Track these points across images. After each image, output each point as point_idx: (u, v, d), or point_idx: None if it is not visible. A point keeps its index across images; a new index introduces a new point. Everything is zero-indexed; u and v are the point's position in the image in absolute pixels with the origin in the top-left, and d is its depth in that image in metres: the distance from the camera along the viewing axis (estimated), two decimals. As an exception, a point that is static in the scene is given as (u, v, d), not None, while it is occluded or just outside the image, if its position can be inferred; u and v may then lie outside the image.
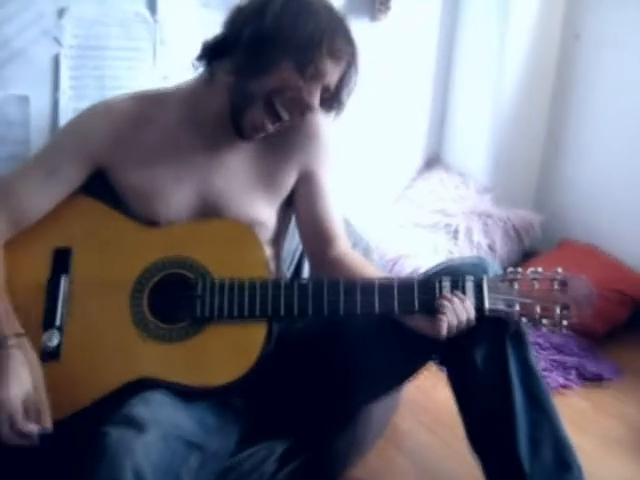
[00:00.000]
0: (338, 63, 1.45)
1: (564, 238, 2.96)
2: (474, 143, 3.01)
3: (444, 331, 1.41)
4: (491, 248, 2.81)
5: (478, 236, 2.80)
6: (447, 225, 2.82)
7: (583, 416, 2.18)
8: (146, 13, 2.11)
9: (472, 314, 1.43)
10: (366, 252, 2.03)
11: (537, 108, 3.00)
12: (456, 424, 1.58)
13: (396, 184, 3.02)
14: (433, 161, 3.09)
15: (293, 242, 1.86)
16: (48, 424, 1.34)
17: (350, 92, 1.53)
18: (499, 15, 2.82)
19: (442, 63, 2.96)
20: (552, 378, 2.33)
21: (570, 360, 2.45)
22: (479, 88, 2.95)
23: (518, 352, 1.50)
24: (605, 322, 2.60)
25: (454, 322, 1.41)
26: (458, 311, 1.42)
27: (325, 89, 1.47)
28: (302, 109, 1.48)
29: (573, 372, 2.40)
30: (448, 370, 1.59)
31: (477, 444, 1.56)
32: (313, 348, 1.62)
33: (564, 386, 2.33)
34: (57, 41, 2.00)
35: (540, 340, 2.50)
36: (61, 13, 1.99)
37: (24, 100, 2.00)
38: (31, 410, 1.33)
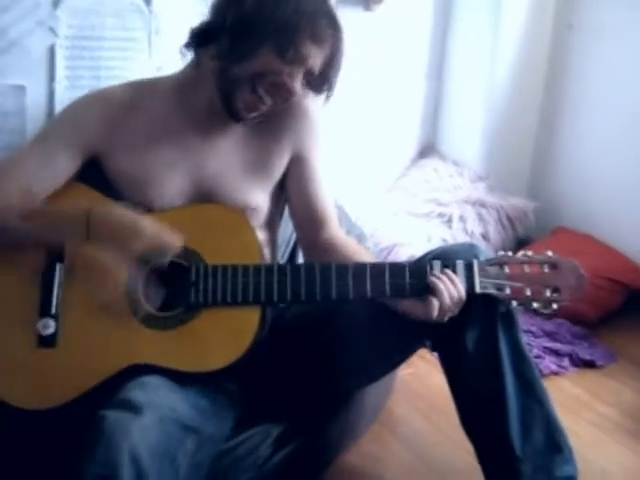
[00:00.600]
0: (320, 46, 1.45)
1: (558, 226, 2.98)
2: (468, 132, 3.02)
3: (435, 311, 1.42)
4: (485, 237, 2.83)
5: (472, 225, 2.82)
6: (441, 214, 2.84)
7: (577, 402, 2.20)
8: (141, 3, 2.13)
9: (463, 293, 1.44)
10: (360, 240, 2.05)
11: (530, 97, 3.02)
12: (451, 410, 1.59)
13: (390, 173, 3.03)
14: (427, 150, 3.10)
15: (288, 229, 1.87)
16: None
17: (337, 74, 1.53)
18: (492, 4, 2.83)
19: (435, 52, 2.97)
20: (545, 365, 2.34)
21: (563, 347, 2.46)
22: (472, 77, 2.96)
23: (509, 335, 1.51)
24: (598, 309, 2.62)
25: (446, 301, 1.42)
26: (449, 291, 1.42)
27: (309, 73, 1.47)
28: (284, 93, 1.48)
29: (566, 359, 2.41)
30: (440, 355, 1.60)
31: (469, 428, 1.57)
32: (306, 333, 1.63)
33: (557, 373, 2.35)
34: (52, 31, 2.02)
35: (533, 328, 2.52)
36: (56, 4, 2.00)
37: (20, 90, 2.02)
38: None
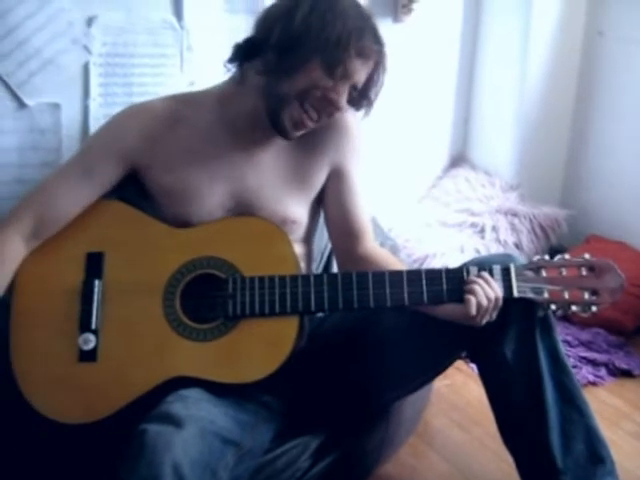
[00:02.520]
0: (366, 62, 1.46)
1: (591, 234, 2.95)
2: (499, 141, 3.01)
3: (473, 310, 1.40)
4: (518, 246, 2.81)
5: (505, 234, 2.80)
6: (473, 224, 2.82)
7: (616, 412, 2.17)
8: (173, 20, 2.14)
9: (499, 293, 1.44)
10: (393, 251, 2.04)
11: (561, 105, 3.00)
12: (487, 421, 1.59)
13: (421, 183, 3.02)
14: (458, 160, 3.09)
15: (322, 241, 1.88)
16: None
17: (379, 90, 1.54)
18: (522, 13, 2.82)
19: (465, 62, 2.96)
20: (582, 375, 2.32)
21: (599, 356, 2.44)
22: (503, 86, 2.95)
23: (547, 345, 1.51)
24: (634, 318, 2.59)
25: (483, 302, 1.41)
26: (486, 291, 1.42)
27: (353, 88, 1.48)
28: (330, 108, 1.49)
29: (603, 368, 2.39)
30: (478, 366, 1.60)
31: (509, 439, 1.57)
32: (344, 345, 1.63)
33: (594, 383, 2.33)
34: (87, 49, 2.04)
35: (569, 337, 2.50)
36: (90, 22, 2.02)
37: (56, 108, 2.04)
38: None
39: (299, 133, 1.53)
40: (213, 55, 2.17)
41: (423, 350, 1.57)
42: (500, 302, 1.44)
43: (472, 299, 1.41)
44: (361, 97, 1.54)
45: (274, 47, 1.44)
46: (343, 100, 1.48)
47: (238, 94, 1.57)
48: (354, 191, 1.66)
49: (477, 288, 1.42)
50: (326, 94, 1.46)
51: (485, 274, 1.45)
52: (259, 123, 1.54)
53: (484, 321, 1.44)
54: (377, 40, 1.48)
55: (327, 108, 1.49)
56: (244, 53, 1.51)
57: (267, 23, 1.48)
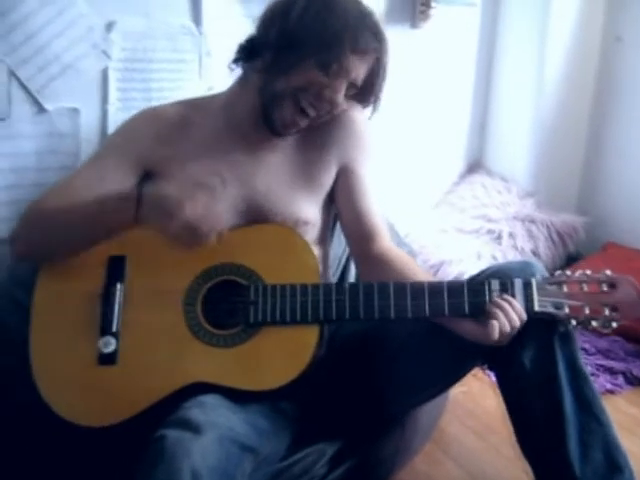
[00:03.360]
0: (363, 59, 1.47)
1: (608, 241, 2.93)
2: (516, 147, 3.00)
3: (496, 335, 1.39)
4: (535, 253, 2.80)
5: (522, 241, 2.79)
6: (490, 230, 2.82)
7: (633, 421, 2.16)
8: (192, 26, 2.15)
9: (523, 317, 1.43)
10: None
11: (578, 111, 2.99)
12: (504, 429, 1.58)
13: (438, 189, 3.02)
14: (475, 166, 3.09)
15: (340, 247, 1.87)
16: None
17: (382, 85, 1.55)
18: (539, 19, 2.82)
19: (483, 68, 2.96)
20: (599, 383, 2.30)
21: (617, 365, 2.42)
22: (520, 92, 2.95)
23: (566, 353, 1.49)
24: (652, 326, 2.58)
25: (506, 327, 1.40)
26: (510, 317, 1.41)
27: (352, 84, 1.49)
28: (327, 106, 1.50)
29: (620, 377, 2.38)
30: (497, 374, 1.59)
31: (527, 448, 1.55)
32: (361, 352, 1.63)
33: (612, 391, 2.31)
34: (106, 54, 2.05)
35: (586, 345, 2.49)
36: (109, 27, 2.03)
37: (75, 112, 2.05)
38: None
39: (289, 132, 1.55)
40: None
41: (441, 358, 1.56)
42: (523, 322, 1.43)
43: (495, 324, 1.40)
44: (366, 93, 1.54)
45: (271, 46, 1.47)
46: (340, 97, 1.49)
47: (241, 95, 1.59)
48: (363, 189, 1.65)
49: (501, 314, 1.41)
50: (321, 91, 1.47)
51: (510, 298, 1.44)
52: (261, 124, 1.56)
53: (506, 342, 1.44)
54: (376, 36, 1.48)
55: (324, 105, 1.50)
56: (245, 53, 1.53)
57: (265, 22, 1.51)
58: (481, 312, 1.44)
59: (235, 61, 1.57)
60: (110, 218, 1.47)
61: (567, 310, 1.46)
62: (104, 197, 1.48)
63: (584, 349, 2.45)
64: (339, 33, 1.43)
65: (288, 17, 1.45)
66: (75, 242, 1.51)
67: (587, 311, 1.46)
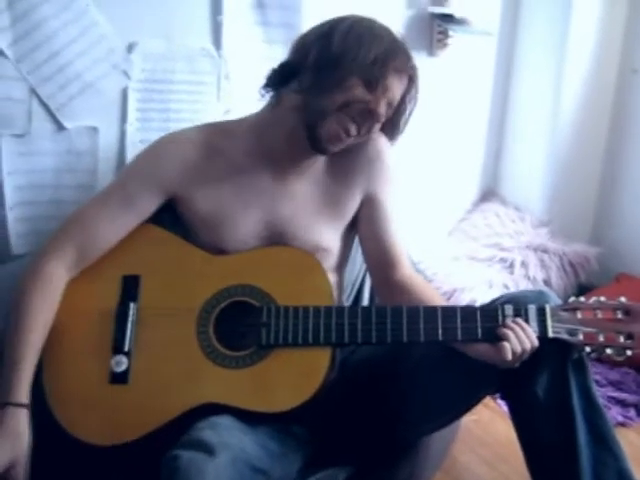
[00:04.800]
0: (401, 79, 1.52)
1: (621, 272, 2.92)
2: (530, 177, 3.00)
3: (508, 356, 1.40)
4: (547, 283, 2.79)
5: (534, 270, 2.78)
6: (503, 259, 2.82)
7: (645, 454, 2.14)
8: (211, 48, 2.17)
9: (535, 342, 1.43)
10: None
11: (594, 142, 2.99)
12: (515, 459, 1.57)
13: (451, 217, 3.02)
14: (489, 194, 3.09)
15: (353, 273, 1.88)
16: None
17: (411, 112, 1.59)
18: (556, 49, 2.83)
19: (498, 97, 2.97)
20: (611, 415, 2.27)
21: (629, 397, 2.41)
22: (535, 122, 2.95)
23: (580, 384, 1.49)
24: (664, 359, 2.56)
25: (518, 349, 1.41)
26: (521, 339, 1.41)
27: (389, 104, 1.52)
28: (370, 121, 1.52)
29: (632, 409, 2.36)
30: (509, 404, 1.58)
31: (539, 479, 1.54)
32: (373, 377, 1.62)
33: (623, 424, 2.30)
34: (126, 75, 2.06)
35: (598, 377, 2.47)
36: (130, 48, 2.05)
37: (93, 131, 2.06)
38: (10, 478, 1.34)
39: (336, 148, 1.55)
40: (250, 84, 2.18)
41: (453, 386, 1.56)
42: (535, 348, 1.43)
43: (507, 346, 1.41)
44: (395, 117, 1.58)
45: (312, 67, 1.49)
46: (382, 114, 1.51)
47: (272, 120, 1.59)
48: (387, 219, 1.67)
49: (512, 335, 1.42)
50: (365, 108, 1.49)
51: (521, 321, 1.44)
52: (295, 147, 1.57)
53: (517, 364, 1.44)
54: (410, 59, 1.54)
55: (367, 120, 1.52)
56: (280, 77, 1.55)
57: (304, 47, 1.53)
58: (494, 337, 1.44)
59: (266, 86, 1.57)
60: None
61: (581, 337, 1.45)
62: (17, 373, 1.41)
63: (596, 380, 2.39)
64: (382, 53, 1.47)
65: (330, 40, 1.48)
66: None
67: (601, 338, 1.46)
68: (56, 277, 1.50)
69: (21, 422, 1.37)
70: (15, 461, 1.34)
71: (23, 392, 1.39)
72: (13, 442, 1.34)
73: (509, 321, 1.45)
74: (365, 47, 1.47)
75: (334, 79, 1.47)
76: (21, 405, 1.38)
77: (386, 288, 1.65)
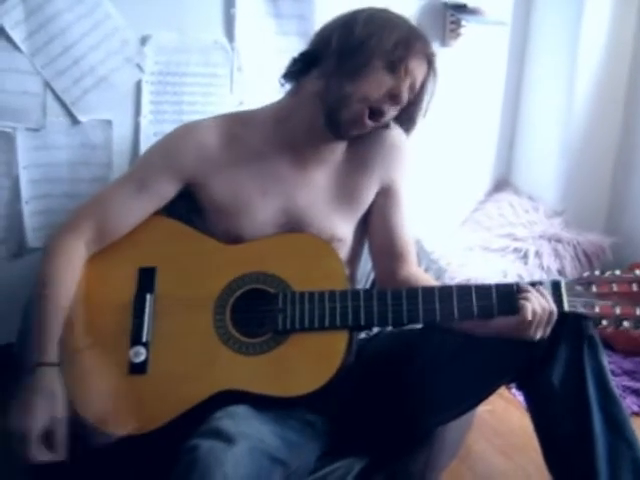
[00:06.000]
0: (422, 63, 1.54)
1: (635, 262, 2.90)
2: (544, 166, 2.99)
3: (529, 315, 1.39)
4: (561, 272, 2.79)
5: (548, 260, 2.78)
6: (516, 249, 2.81)
7: (659, 443, 2.13)
8: (224, 41, 2.17)
9: (553, 307, 1.42)
10: (439, 275, 2.04)
11: (607, 130, 2.97)
12: (529, 448, 1.57)
13: (464, 207, 3.02)
14: (502, 184, 3.08)
15: (367, 266, 1.88)
16: (61, 456, 1.38)
17: (430, 99, 1.60)
18: (569, 39, 2.81)
19: (512, 86, 2.96)
20: (626, 404, 2.26)
21: (643, 386, 2.41)
22: (549, 111, 2.94)
23: (596, 374, 1.49)
24: (679, 348, 2.56)
25: (538, 309, 1.40)
26: (540, 300, 1.41)
27: (411, 88, 1.54)
28: (394, 106, 1.53)
29: (646, 398, 2.36)
30: (525, 394, 1.58)
31: (555, 468, 1.54)
32: (389, 367, 1.63)
33: (638, 413, 2.30)
34: (139, 68, 2.08)
35: (612, 366, 2.47)
36: (144, 41, 2.06)
37: (107, 124, 2.08)
38: (51, 438, 1.38)
39: (357, 132, 1.56)
40: (262, 76, 2.20)
41: (470, 376, 1.56)
42: (554, 316, 1.43)
43: (527, 305, 1.40)
44: (410, 109, 1.59)
45: (334, 53, 1.51)
46: (405, 98, 1.53)
47: (294, 106, 1.60)
48: (400, 210, 1.68)
49: (531, 296, 1.42)
50: (388, 92, 1.51)
51: (539, 287, 1.45)
52: (315, 134, 1.58)
53: (538, 334, 1.42)
54: (429, 45, 1.56)
55: (391, 105, 1.53)
56: (301, 65, 1.57)
57: (326, 36, 1.55)
58: (510, 310, 1.43)
59: (286, 75, 1.59)
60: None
61: (597, 310, 1.45)
62: (48, 336, 1.46)
63: (610, 370, 2.39)
64: (404, 37, 1.50)
65: (353, 26, 1.51)
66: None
67: (618, 311, 1.44)
68: (76, 250, 1.54)
69: (55, 381, 1.42)
70: (55, 419, 1.38)
71: (53, 352, 1.44)
72: (51, 401, 1.39)
73: (526, 285, 1.45)
74: (387, 32, 1.50)
75: (357, 63, 1.49)
76: (53, 364, 1.43)
77: (390, 283, 1.65)
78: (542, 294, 1.44)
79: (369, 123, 1.54)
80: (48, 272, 1.51)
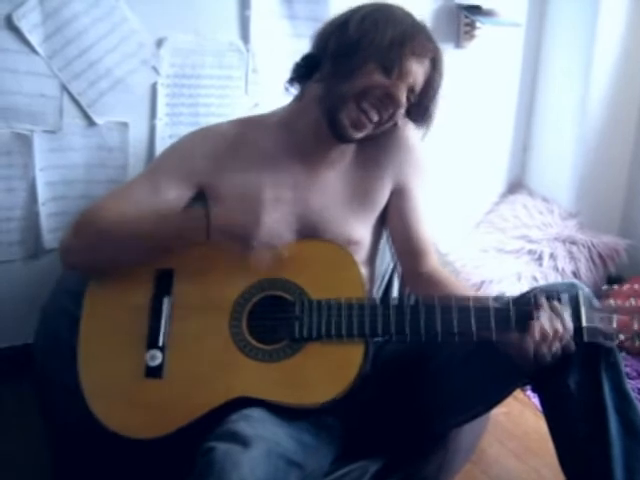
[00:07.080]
0: (421, 62, 1.50)
1: (652, 266, 2.90)
2: (558, 168, 2.98)
3: (537, 335, 1.37)
4: (575, 275, 2.77)
5: (562, 262, 2.76)
6: (531, 251, 2.80)
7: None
8: (239, 43, 2.18)
9: (569, 324, 1.40)
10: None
11: (623, 132, 2.96)
12: (544, 451, 1.56)
13: (478, 208, 3.01)
14: (516, 186, 3.07)
15: (383, 264, 1.88)
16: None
17: (436, 97, 1.57)
18: (584, 40, 2.79)
19: (526, 87, 2.95)
20: (641, 407, 2.28)
21: (660, 389, 2.40)
22: (563, 112, 2.92)
23: (612, 377, 1.48)
24: (695, 351, 2.54)
25: (547, 327, 1.38)
26: (551, 317, 1.39)
27: (410, 89, 1.51)
28: (390, 107, 1.51)
29: (663, 401, 2.35)
30: (540, 396, 1.58)
31: (570, 472, 1.53)
32: (404, 370, 1.63)
33: (654, 416, 2.28)
34: (155, 70, 2.08)
35: (628, 369, 2.45)
36: (160, 43, 2.07)
37: (124, 126, 2.09)
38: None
39: (359, 134, 1.54)
40: (277, 78, 2.20)
41: (484, 379, 1.56)
42: (571, 333, 1.41)
43: (535, 324, 1.39)
44: (420, 104, 1.56)
45: (330, 55, 1.50)
46: (402, 99, 1.50)
47: (299, 111, 1.61)
48: (417, 209, 1.68)
49: (542, 314, 1.40)
50: (384, 93, 1.49)
51: (553, 302, 1.43)
52: (321, 137, 1.57)
53: (549, 356, 1.40)
54: (431, 41, 1.52)
55: (388, 106, 1.51)
56: (304, 70, 1.56)
57: (323, 37, 1.54)
58: (527, 325, 1.41)
59: (291, 80, 1.59)
60: (181, 235, 1.50)
61: (615, 324, 1.44)
62: (169, 214, 1.51)
63: (626, 373, 2.40)
64: (398, 36, 1.47)
65: (347, 26, 1.49)
66: (131, 256, 1.54)
67: (636, 326, 1.44)
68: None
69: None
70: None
71: (193, 212, 1.57)
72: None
73: (541, 301, 1.42)
74: (381, 32, 1.47)
75: (352, 65, 1.47)
76: (204, 216, 1.52)
77: (415, 278, 1.67)
78: (554, 308, 1.41)
79: (369, 125, 1.53)
80: (102, 226, 1.52)
